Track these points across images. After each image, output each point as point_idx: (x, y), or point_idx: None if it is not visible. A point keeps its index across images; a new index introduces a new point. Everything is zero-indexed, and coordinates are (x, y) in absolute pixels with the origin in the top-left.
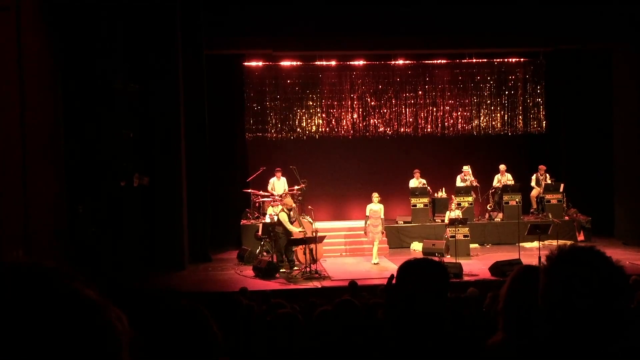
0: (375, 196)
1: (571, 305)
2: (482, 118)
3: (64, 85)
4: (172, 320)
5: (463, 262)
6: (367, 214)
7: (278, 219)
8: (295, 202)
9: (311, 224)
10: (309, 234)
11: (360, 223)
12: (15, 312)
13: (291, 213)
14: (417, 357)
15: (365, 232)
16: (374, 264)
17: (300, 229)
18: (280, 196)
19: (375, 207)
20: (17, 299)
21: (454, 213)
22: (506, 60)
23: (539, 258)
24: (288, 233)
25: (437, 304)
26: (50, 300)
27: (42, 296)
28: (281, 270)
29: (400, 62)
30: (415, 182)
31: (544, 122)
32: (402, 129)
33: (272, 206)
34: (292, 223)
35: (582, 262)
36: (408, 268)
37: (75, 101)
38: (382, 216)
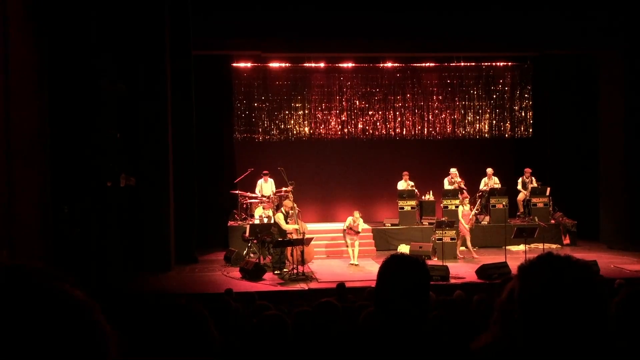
0: (358, 214)
1: (544, 311)
2: (469, 121)
3: (51, 84)
4: (171, 318)
5: (450, 264)
6: (346, 225)
7: (274, 220)
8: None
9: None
10: (303, 232)
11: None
12: (3, 314)
13: (290, 212)
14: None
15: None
16: (355, 264)
17: (295, 226)
18: (269, 197)
19: (357, 222)
20: (5, 301)
21: (467, 208)
22: (494, 64)
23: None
24: (283, 233)
25: (416, 303)
26: (39, 301)
27: (31, 297)
28: (275, 272)
29: (389, 65)
30: (403, 184)
31: (531, 126)
32: (389, 132)
33: (264, 208)
34: (288, 222)
35: (554, 269)
36: (387, 267)
37: (62, 101)
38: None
